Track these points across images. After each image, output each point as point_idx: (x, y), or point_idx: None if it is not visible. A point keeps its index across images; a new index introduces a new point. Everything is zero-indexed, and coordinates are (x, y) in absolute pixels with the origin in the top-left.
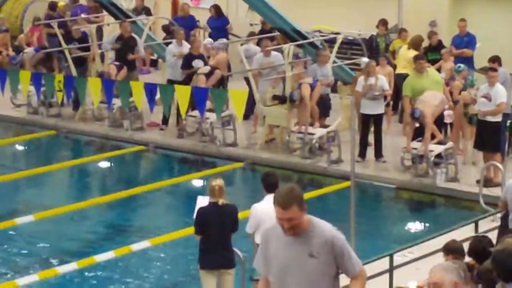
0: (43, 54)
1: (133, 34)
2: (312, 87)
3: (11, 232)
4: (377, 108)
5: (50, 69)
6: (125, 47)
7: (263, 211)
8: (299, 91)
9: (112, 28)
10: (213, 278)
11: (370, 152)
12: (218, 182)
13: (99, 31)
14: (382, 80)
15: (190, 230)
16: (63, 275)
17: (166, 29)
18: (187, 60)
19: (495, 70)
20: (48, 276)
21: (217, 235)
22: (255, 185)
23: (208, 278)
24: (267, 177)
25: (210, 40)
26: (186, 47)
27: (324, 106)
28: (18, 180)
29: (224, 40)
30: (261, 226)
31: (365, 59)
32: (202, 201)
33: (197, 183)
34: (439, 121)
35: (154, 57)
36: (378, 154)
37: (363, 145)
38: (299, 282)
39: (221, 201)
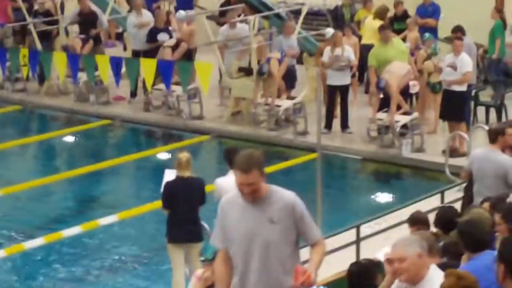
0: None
1: (93, 8)
2: (280, 62)
3: None
4: (343, 79)
5: (21, 42)
6: (86, 23)
7: (227, 185)
8: (268, 65)
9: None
10: (181, 252)
11: (336, 123)
12: (185, 155)
13: (62, 6)
14: (349, 51)
15: (158, 204)
16: (29, 250)
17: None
18: (152, 34)
19: (460, 39)
20: (15, 252)
21: (184, 209)
22: (222, 158)
23: (176, 252)
24: (230, 153)
25: (183, 12)
26: (146, 16)
27: (290, 78)
28: None
29: (192, 12)
30: None
31: (330, 30)
32: (170, 175)
33: (164, 156)
34: (405, 91)
35: (119, 30)
36: (344, 125)
37: (329, 116)
38: (261, 249)
39: (187, 174)
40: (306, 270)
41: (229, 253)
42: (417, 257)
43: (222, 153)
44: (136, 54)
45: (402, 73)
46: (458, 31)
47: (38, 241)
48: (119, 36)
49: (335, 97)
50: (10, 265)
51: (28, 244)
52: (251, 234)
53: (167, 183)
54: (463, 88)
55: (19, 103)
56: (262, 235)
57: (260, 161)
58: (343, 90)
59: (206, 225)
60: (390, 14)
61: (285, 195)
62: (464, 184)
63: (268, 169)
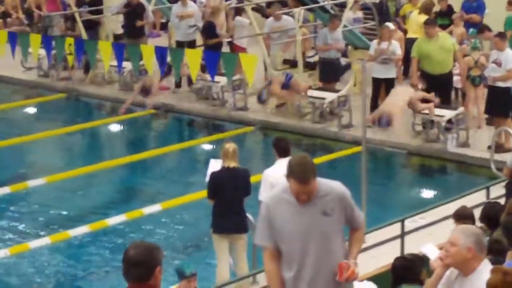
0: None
1: (141, 0)
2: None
3: (23, 195)
4: (388, 72)
5: (72, 30)
6: (133, 14)
7: (275, 177)
8: (265, 91)
9: None
10: (226, 242)
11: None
12: (232, 145)
13: None
14: (395, 45)
15: (202, 194)
16: (74, 238)
17: None
18: (211, 28)
19: (504, 35)
20: (60, 239)
21: (229, 199)
22: (266, 149)
23: (220, 242)
24: (279, 142)
25: None
26: (191, 7)
27: (334, 71)
28: (29, 143)
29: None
30: None
31: (390, 24)
32: (215, 165)
33: (208, 147)
34: (450, 86)
35: (164, 20)
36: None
37: (374, 109)
38: (318, 243)
39: (233, 165)
40: (350, 265)
41: (277, 251)
42: (466, 249)
43: (269, 143)
44: (180, 45)
45: (405, 98)
46: (485, 29)
47: (83, 229)
48: (164, 26)
49: (380, 90)
50: (55, 252)
51: (73, 232)
52: (307, 229)
53: (213, 173)
54: (509, 84)
55: (63, 91)
56: (317, 228)
57: (314, 167)
58: (388, 83)
59: (250, 217)
60: (435, 9)
61: (334, 186)
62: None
63: None
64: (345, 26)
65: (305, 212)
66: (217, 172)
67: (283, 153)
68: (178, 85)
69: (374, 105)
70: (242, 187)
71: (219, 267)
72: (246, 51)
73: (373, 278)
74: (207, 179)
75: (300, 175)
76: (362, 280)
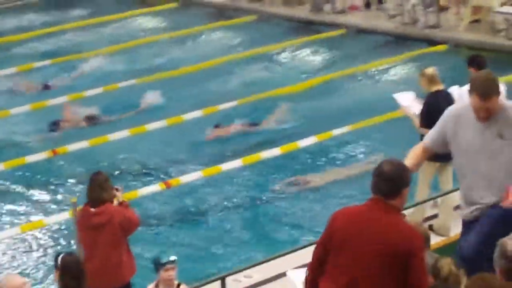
0: None
1: None
2: None
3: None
4: None
5: None
6: None
7: (459, 93)
8: None
9: None
10: (432, 169)
11: None
12: (433, 68)
13: None
14: None
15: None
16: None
17: None
18: None
19: None
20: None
21: None
22: (458, 68)
23: (428, 168)
24: (475, 58)
25: None
26: None
27: None
28: None
29: None
30: None
31: None
32: (404, 97)
33: (399, 67)
34: None
35: None
36: None
37: None
38: (490, 164)
39: (441, 88)
40: None
41: (429, 150)
42: None
43: (461, 61)
44: None
45: None
46: None
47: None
48: None
49: None
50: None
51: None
52: (479, 147)
53: (430, 98)
54: None
55: (255, 12)
56: (489, 147)
57: (497, 85)
58: None
59: None
60: None
61: None
62: None
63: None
64: None
65: (482, 133)
66: (432, 98)
67: (478, 69)
68: (367, 4)
69: None
70: None
71: (419, 191)
72: None
73: None
74: (422, 107)
75: (482, 90)
76: None
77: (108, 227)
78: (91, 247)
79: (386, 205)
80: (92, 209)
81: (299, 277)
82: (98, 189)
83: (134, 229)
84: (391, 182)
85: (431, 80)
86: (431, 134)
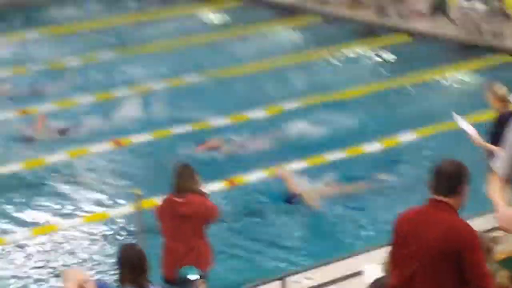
0: None
1: None
2: None
3: None
4: None
5: None
6: None
7: None
8: None
9: None
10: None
11: None
12: (505, 89)
13: None
14: None
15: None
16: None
17: None
18: None
19: None
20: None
21: None
22: None
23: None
24: None
25: None
26: None
27: None
28: None
29: None
30: None
31: None
32: (463, 122)
33: (469, 75)
34: None
35: None
36: None
37: None
38: None
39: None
40: None
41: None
42: None
43: None
44: None
45: None
46: None
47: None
48: None
49: None
50: None
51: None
52: None
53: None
54: None
55: (319, 13)
56: None
57: None
58: None
59: None
60: None
61: None
62: None
63: None
64: None
65: None
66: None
67: None
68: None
69: None
70: None
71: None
72: None
73: None
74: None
75: None
76: None
77: (194, 217)
78: (174, 236)
79: (444, 203)
80: (178, 199)
81: (374, 271)
82: (190, 179)
83: (215, 219)
84: (450, 181)
85: (503, 100)
86: (502, 163)
